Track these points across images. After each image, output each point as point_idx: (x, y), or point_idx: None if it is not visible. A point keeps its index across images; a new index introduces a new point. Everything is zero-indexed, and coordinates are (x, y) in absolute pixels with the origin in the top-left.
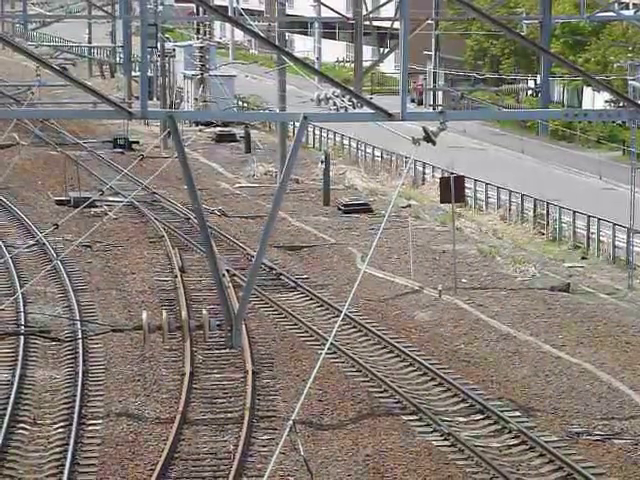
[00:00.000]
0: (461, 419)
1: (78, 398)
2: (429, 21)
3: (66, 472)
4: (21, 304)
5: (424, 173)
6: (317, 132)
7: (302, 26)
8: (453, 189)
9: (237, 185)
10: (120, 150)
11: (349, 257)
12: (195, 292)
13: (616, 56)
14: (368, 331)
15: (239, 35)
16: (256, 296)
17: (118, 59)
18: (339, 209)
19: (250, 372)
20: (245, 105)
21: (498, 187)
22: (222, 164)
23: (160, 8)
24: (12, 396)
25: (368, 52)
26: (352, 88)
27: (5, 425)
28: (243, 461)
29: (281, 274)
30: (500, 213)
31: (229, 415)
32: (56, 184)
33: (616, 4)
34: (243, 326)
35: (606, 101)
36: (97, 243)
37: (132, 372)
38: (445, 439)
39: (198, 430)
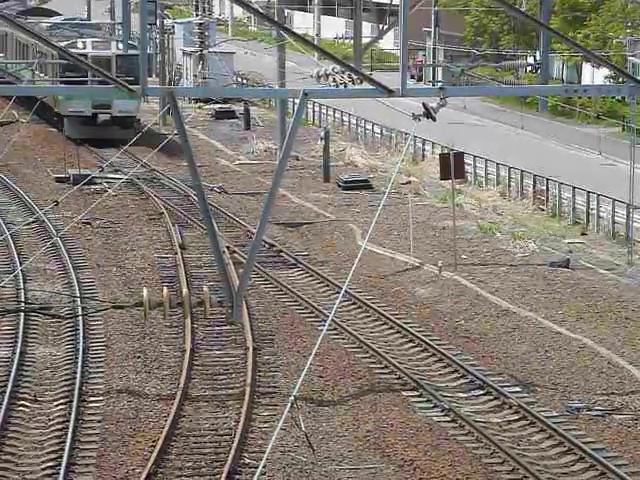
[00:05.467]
0: (461, 395)
1: (79, 375)
2: None
3: (67, 449)
4: (21, 281)
5: (424, 149)
6: (317, 109)
7: (301, 2)
8: (453, 166)
9: (237, 162)
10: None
11: (349, 233)
12: (195, 269)
13: (615, 32)
14: (368, 307)
15: (238, 11)
16: (256, 273)
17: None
18: (339, 186)
19: (251, 348)
20: (244, 82)
21: (498, 163)
22: (222, 141)
23: None
24: (12, 373)
25: (367, 28)
26: (352, 64)
27: (5, 402)
28: (244, 437)
29: (281, 251)
30: (500, 189)
31: (230, 391)
32: (55, 161)
33: None
34: (244, 302)
35: (605, 77)
36: (97, 220)
37: (133, 349)
38: (445, 415)
39: (199, 406)
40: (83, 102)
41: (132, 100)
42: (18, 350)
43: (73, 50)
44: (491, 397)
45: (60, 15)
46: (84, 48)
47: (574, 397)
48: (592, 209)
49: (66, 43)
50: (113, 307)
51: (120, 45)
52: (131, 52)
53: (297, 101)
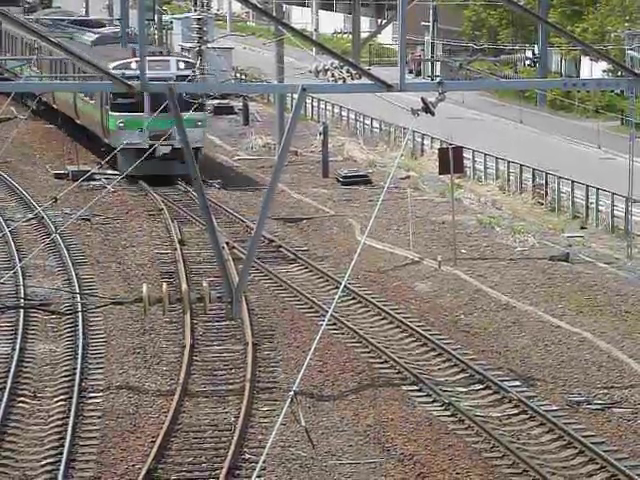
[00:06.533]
0: (461, 389)
1: (78, 371)
2: None
3: (67, 445)
4: (20, 278)
5: (423, 144)
6: (315, 104)
7: None
8: (452, 160)
9: (236, 157)
10: None
11: (348, 229)
12: (195, 264)
13: (613, 26)
14: (368, 302)
15: (237, 7)
16: (256, 268)
17: None
18: (338, 181)
19: (250, 344)
20: (243, 77)
21: (497, 158)
22: (220, 137)
23: None
24: (12, 370)
25: (366, 23)
26: (350, 59)
27: (5, 399)
28: (244, 432)
29: (280, 246)
30: (499, 183)
31: (230, 387)
32: (54, 158)
33: None
34: (243, 298)
35: (604, 71)
36: (96, 216)
37: (132, 345)
38: (445, 409)
39: (199, 402)
40: (139, 132)
41: (196, 128)
42: (18, 346)
43: (126, 71)
44: (491, 391)
45: (103, 26)
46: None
47: (574, 391)
48: (591, 203)
49: (118, 63)
50: (112, 303)
51: (181, 64)
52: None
53: (296, 96)
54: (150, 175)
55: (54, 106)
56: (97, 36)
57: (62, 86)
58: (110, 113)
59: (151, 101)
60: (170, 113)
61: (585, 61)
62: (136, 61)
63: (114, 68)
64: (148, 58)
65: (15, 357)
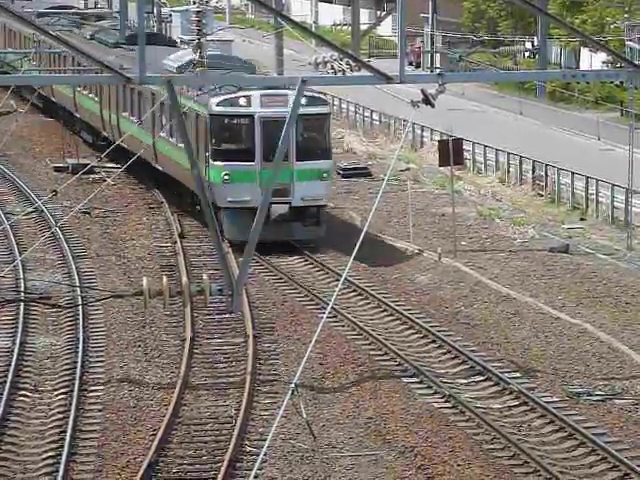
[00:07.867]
0: (462, 381)
1: (79, 364)
2: None
3: (67, 439)
4: (21, 271)
5: (422, 136)
6: None
7: None
8: (452, 152)
9: None
10: None
11: (349, 221)
12: (195, 258)
13: (613, 17)
14: (368, 294)
15: None
16: (256, 261)
17: None
18: (338, 173)
19: (251, 336)
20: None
21: (497, 149)
22: None
23: None
24: (13, 363)
25: (365, 15)
26: (350, 51)
27: (6, 393)
28: (245, 425)
29: None
30: (499, 175)
31: (231, 380)
32: (54, 151)
33: None
34: (243, 291)
35: (603, 62)
36: (96, 210)
37: (133, 338)
38: (446, 401)
39: (200, 395)
40: (248, 187)
41: (321, 181)
42: (18, 340)
43: (232, 109)
44: (491, 383)
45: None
46: (248, 106)
47: (574, 382)
48: (591, 194)
49: (222, 99)
50: (113, 296)
51: (303, 100)
52: (318, 110)
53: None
54: (264, 242)
55: (125, 146)
56: (179, 64)
57: (63, 80)
58: (211, 162)
59: (264, 148)
60: (287, 161)
61: (584, 52)
62: (244, 96)
63: (218, 104)
64: (261, 92)
65: (16, 351)
